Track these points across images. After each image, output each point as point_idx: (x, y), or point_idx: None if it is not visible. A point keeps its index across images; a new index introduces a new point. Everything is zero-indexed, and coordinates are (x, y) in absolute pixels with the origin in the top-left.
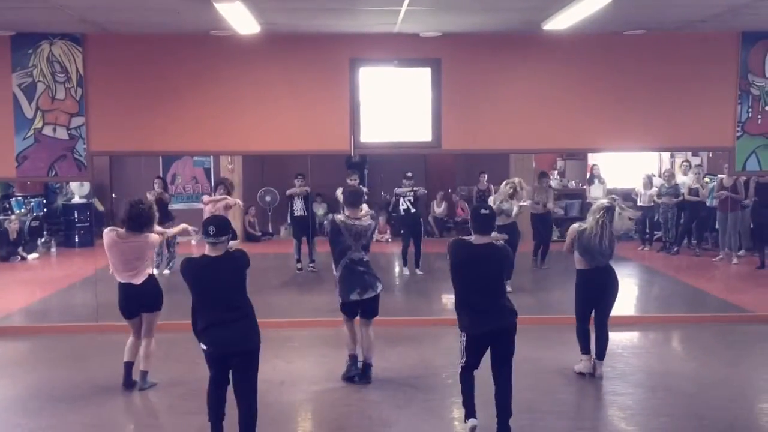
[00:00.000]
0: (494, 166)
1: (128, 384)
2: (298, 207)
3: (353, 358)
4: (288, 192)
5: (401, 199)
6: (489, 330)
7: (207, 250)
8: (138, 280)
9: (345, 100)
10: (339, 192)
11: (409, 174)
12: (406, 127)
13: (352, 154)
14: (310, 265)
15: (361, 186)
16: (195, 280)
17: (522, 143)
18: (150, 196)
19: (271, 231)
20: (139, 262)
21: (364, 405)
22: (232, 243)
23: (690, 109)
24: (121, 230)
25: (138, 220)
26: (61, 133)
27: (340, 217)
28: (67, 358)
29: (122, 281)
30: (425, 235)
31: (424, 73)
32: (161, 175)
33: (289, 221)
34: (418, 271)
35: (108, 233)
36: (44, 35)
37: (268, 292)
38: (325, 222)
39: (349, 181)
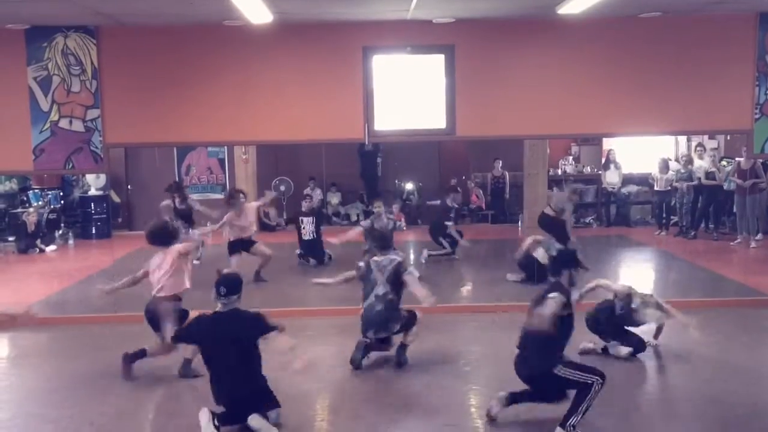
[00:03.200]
0: (508, 153)
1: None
2: (308, 229)
3: (363, 344)
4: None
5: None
6: None
7: (218, 308)
8: (157, 293)
9: (358, 88)
10: (364, 224)
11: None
12: (419, 115)
13: (366, 143)
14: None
15: (391, 219)
16: (202, 338)
17: (537, 129)
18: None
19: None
20: (160, 274)
21: (381, 392)
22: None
23: (707, 92)
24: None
25: (159, 236)
26: (77, 126)
27: (376, 258)
28: (86, 348)
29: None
30: None
31: (438, 60)
32: (176, 179)
33: (299, 249)
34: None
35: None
36: (58, 28)
37: (283, 281)
38: (360, 264)
39: (374, 210)
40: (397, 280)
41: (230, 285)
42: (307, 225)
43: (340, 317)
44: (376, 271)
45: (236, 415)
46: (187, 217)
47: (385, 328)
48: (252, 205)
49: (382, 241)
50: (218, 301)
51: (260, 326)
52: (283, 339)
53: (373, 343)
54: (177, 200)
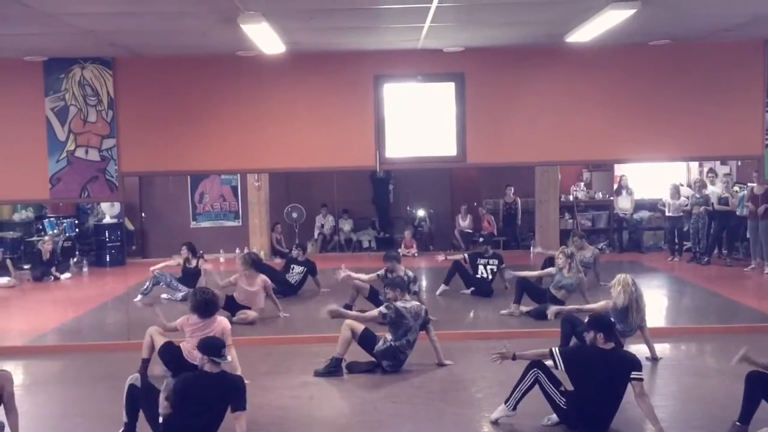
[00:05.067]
0: (519, 179)
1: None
2: (295, 278)
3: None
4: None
5: (481, 267)
6: None
7: (207, 367)
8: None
9: (370, 116)
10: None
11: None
12: (430, 142)
13: (378, 170)
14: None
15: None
16: (186, 394)
17: (547, 155)
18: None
19: None
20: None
21: (394, 420)
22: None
23: (717, 118)
24: (193, 316)
25: (208, 307)
26: (93, 155)
27: (399, 303)
28: (99, 376)
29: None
30: (451, 249)
31: (448, 88)
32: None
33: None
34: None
35: (183, 320)
36: (75, 60)
37: (295, 308)
38: (387, 311)
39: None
40: (422, 327)
41: (219, 348)
42: (296, 275)
43: (352, 344)
44: (410, 317)
45: None
46: (194, 278)
47: (400, 368)
48: (263, 280)
49: (402, 285)
50: (213, 361)
51: (241, 399)
52: (243, 422)
53: (363, 366)
54: (189, 258)
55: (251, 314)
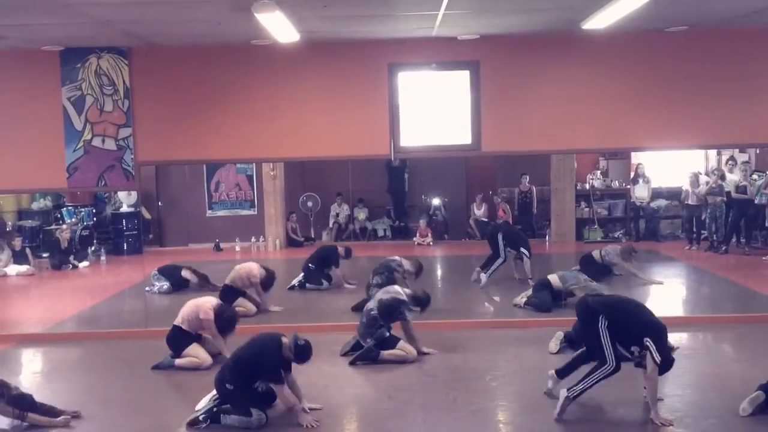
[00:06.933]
0: (535, 167)
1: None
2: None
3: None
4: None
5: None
6: None
7: None
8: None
9: (384, 104)
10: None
11: None
12: (445, 130)
13: (392, 158)
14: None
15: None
16: None
17: (563, 144)
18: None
19: (312, 236)
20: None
21: (408, 408)
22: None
23: (735, 106)
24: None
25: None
26: (110, 144)
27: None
28: (117, 363)
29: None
30: (466, 238)
31: (463, 76)
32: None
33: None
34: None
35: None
36: (92, 49)
37: (309, 296)
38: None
39: None
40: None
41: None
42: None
43: None
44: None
45: None
46: (174, 272)
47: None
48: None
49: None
50: None
51: None
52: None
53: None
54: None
55: (251, 308)
